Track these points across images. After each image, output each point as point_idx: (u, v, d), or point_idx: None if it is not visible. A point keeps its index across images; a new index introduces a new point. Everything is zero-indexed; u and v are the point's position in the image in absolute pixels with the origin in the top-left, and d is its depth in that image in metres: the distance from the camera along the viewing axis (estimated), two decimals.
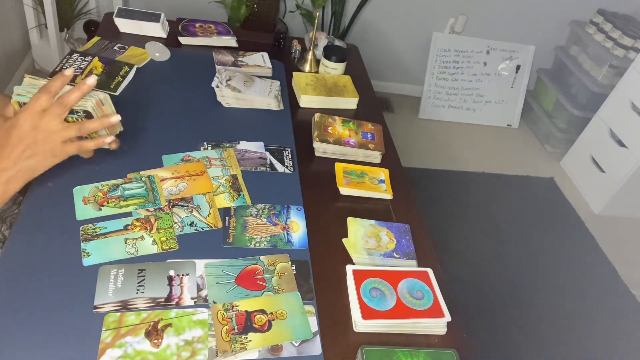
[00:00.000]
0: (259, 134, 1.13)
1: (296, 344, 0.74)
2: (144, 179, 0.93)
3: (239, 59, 1.37)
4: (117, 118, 0.85)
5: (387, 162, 1.17)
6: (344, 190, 1.04)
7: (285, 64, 1.43)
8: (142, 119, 1.09)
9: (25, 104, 0.80)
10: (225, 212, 0.92)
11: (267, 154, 1.08)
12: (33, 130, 0.77)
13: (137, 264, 0.79)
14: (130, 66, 1.23)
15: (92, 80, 0.81)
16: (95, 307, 0.72)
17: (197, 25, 1.47)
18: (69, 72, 0.79)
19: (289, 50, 1.54)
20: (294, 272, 0.84)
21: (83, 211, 0.85)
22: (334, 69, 1.40)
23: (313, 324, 0.77)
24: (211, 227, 0.88)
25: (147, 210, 0.88)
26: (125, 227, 0.84)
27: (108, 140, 0.88)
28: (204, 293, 0.78)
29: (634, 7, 2.78)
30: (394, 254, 0.92)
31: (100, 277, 0.76)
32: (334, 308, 0.81)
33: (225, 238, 0.87)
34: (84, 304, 0.72)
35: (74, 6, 2.43)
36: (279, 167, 1.05)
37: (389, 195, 1.07)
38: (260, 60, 1.38)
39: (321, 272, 0.86)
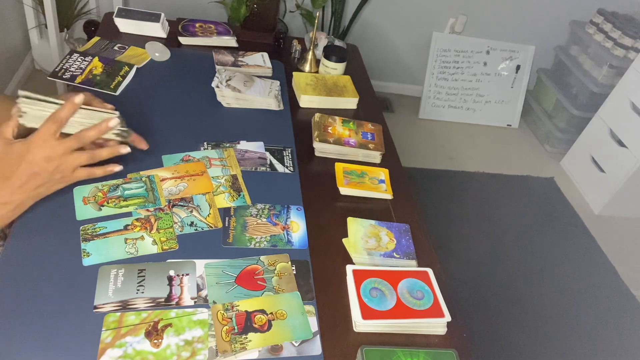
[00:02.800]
0: (259, 134, 1.13)
1: (296, 344, 0.74)
2: (144, 179, 0.93)
3: (239, 59, 1.37)
4: (115, 120, 0.79)
5: (387, 162, 1.17)
6: (344, 190, 1.04)
7: (285, 64, 1.43)
8: (142, 119, 1.09)
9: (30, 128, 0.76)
10: (225, 212, 0.92)
11: (267, 154, 1.08)
12: (46, 162, 0.73)
13: (137, 264, 0.80)
14: (130, 66, 1.23)
15: (114, 122, 0.78)
16: (95, 307, 0.72)
17: (197, 25, 1.47)
18: (78, 99, 0.75)
19: (289, 50, 1.54)
20: (294, 272, 0.84)
21: (83, 211, 0.85)
22: (334, 69, 1.40)
23: (313, 324, 0.77)
24: (211, 227, 0.88)
25: (147, 210, 0.88)
26: (125, 227, 0.84)
27: (123, 151, 0.82)
28: (204, 293, 0.78)
29: (634, 7, 2.78)
30: (394, 254, 0.92)
31: (100, 277, 0.76)
32: (334, 308, 0.81)
33: (225, 238, 0.87)
34: (84, 304, 0.72)
35: (74, 6, 2.43)
36: (279, 167, 1.05)
37: (389, 195, 1.07)
38: (260, 60, 1.38)
39: (321, 272, 0.86)
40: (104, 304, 0.73)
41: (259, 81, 1.27)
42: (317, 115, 1.20)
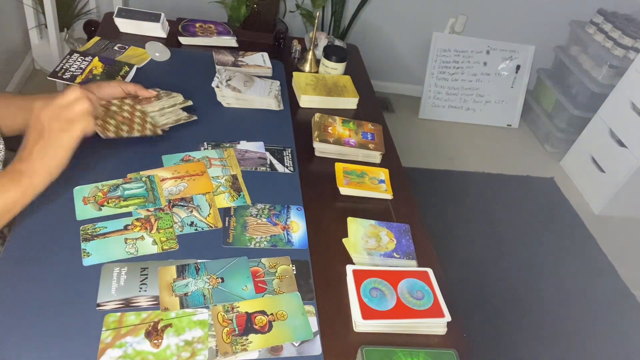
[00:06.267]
0: (259, 134, 1.13)
1: (296, 344, 0.74)
2: (144, 179, 0.93)
3: (239, 59, 1.37)
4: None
5: (387, 162, 1.17)
6: (344, 190, 1.04)
7: (285, 64, 1.43)
8: None
9: None
10: (225, 212, 0.92)
11: (267, 154, 1.08)
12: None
13: (140, 262, 0.80)
14: (130, 66, 1.23)
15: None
16: (98, 305, 0.72)
17: (197, 25, 1.47)
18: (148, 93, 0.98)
19: (289, 50, 1.54)
20: (294, 272, 0.84)
21: (83, 211, 0.85)
22: (334, 69, 1.40)
23: (313, 324, 0.77)
24: (211, 227, 0.88)
25: (147, 210, 0.88)
26: (125, 227, 0.84)
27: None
28: None
29: (634, 7, 2.78)
30: (394, 254, 0.92)
31: (103, 275, 0.76)
32: (334, 308, 0.81)
33: (225, 238, 0.87)
34: (84, 304, 0.72)
35: (74, 6, 2.43)
36: (279, 167, 1.05)
37: (389, 195, 1.07)
38: (260, 60, 1.38)
39: (321, 272, 0.86)
40: (107, 302, 0.73)
41: (259, 81, 1.27)
42: (317, 115, 1.20)
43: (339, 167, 1.09)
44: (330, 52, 1.39)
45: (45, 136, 0.74)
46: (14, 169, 0.73)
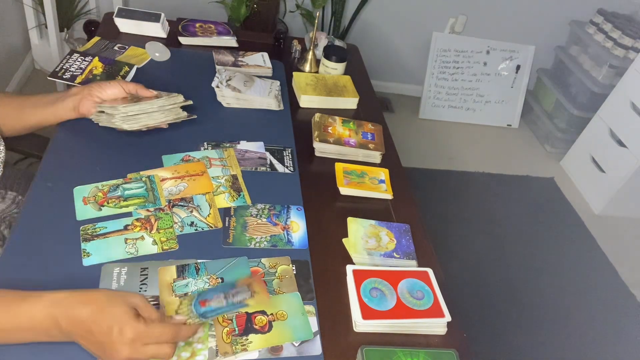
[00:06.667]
0: (259, 134, 1.13)
1: (296, 344, 0.74)
2: (144, 179, 0.93)
3: (239, 59, 1.37)
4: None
5: (387, 162, 1.17)
6: (344, 190, 1.04)
7: (285, 64, 1.43)
8: None
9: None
10: (225, 212, 0.92)
11: (267, 154, 1.08)
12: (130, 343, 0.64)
13: (140, 262, 0.79)
14: (130, 66, 1.23)
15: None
16: None
17: (197, 25, 1.47)
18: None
19: (289, 50, 1.54)
20: (294, 272, 0.84)
21: (83, 211, 0.85)
22: (334, 69, 1.40)
23: (313, 324, 0.77)
24: (211, 227, 0.88)
25: (147, 210, 0.88)
26: (126, 227, 0.84)
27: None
28: None
29: (634, 7, 2.78)
30: (394, 254, 0.92)
31: (103, 275, 0.76)
32: (334, 308, 0.81)
33: (225, 238, 0.87)
34: None
35: (74, 6, 2.43)
36: (279, 167, 1.05)
37: (389, 195, 1.07)
38: (260, 60, 1.38)
39: (321, 272, 0.86)
40: None
41: (259, 81, 1.27)
42: (317, 115, 1.20)
43: (339, 167, 1.09)
44: (330, 52, 1.39)
45: (100, 343, 0.64)
46: (51, 333, 0.64)
